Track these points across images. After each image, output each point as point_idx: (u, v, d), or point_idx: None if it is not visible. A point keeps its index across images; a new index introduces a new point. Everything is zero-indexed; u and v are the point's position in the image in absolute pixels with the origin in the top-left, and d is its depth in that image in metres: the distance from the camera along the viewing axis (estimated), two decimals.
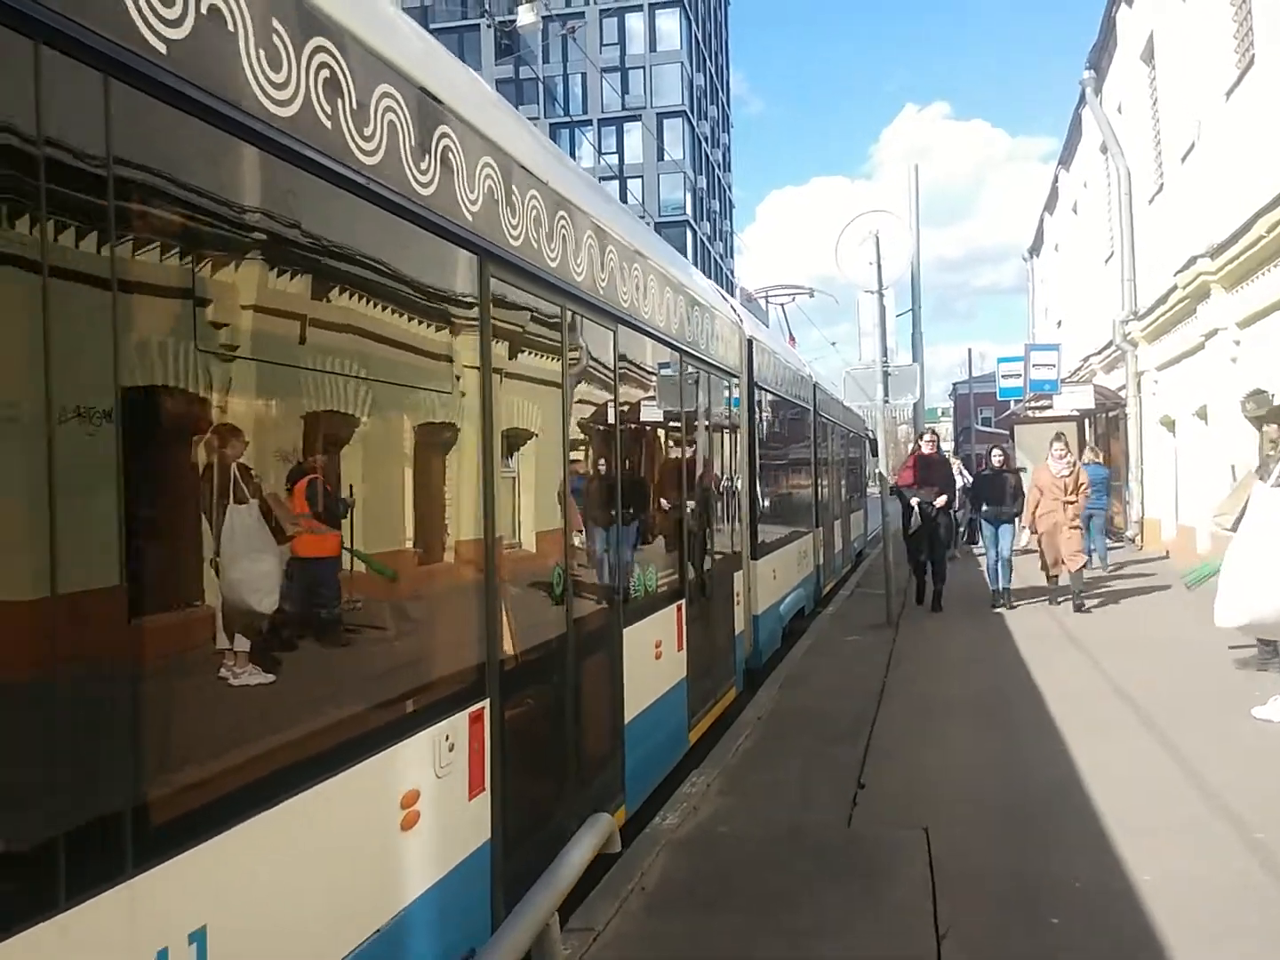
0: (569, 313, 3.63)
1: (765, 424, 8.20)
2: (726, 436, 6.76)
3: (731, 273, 60.24)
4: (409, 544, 2.67)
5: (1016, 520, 9.99)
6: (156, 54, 1.62)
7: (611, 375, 4.20)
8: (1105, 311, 16.17)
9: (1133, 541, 15.15)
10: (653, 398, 4.99)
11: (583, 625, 3.73)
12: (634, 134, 53.58)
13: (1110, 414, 17.30)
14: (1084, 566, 9.64)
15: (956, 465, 15.42)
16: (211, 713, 1.86)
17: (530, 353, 3.44)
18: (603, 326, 4.09)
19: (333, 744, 2.11)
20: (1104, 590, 10.43)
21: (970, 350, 32.71)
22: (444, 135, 2.63)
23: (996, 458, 10.20)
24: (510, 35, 42.13)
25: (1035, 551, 9.97)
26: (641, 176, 53.27)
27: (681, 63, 54.82)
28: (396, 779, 2.33)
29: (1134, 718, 5.55)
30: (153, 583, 1.72)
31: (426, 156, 2.53)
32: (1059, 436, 9.94)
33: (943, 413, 54.00)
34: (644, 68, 54.63)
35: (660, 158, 52.51)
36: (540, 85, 49.26)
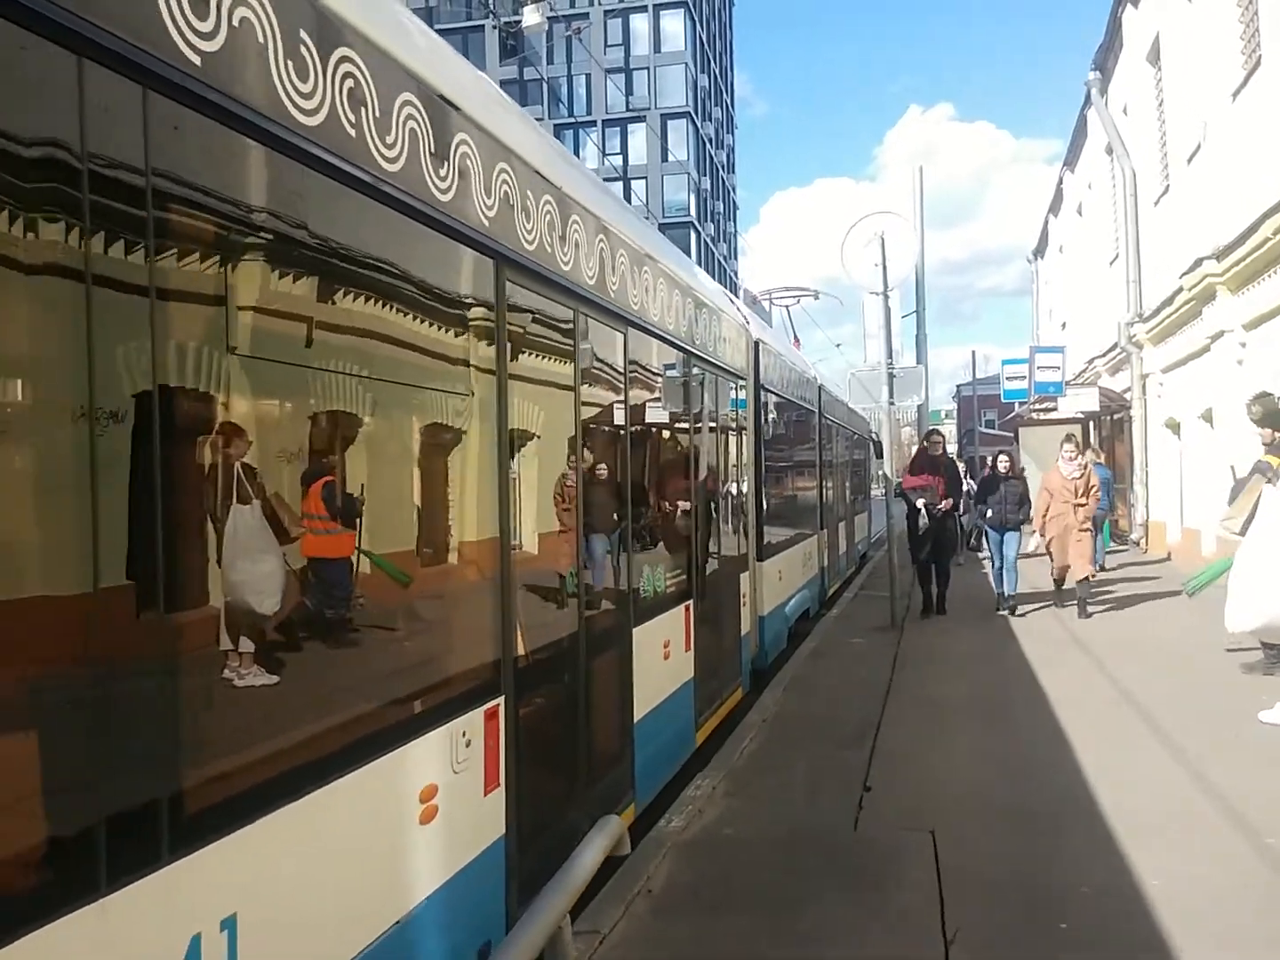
0: (581, 316, 3.66)
1: (771, 426, 8.23)
2: (733, 438, 6.79)
3: (735, 274, 60.30)
4: (428, 544, 2.72)
5: (1022, 528, 9.78)
6: (192, 66, 1.66)
7: (622, 378, 4.24)
8: (1110, 313, 16.18)
9: (1137, 544, 15.15)
10: (662, 400, 5.02)
11: (594, 624, 3.78)
12: (638, 135, 53.64)
13: (1115, 416, 17.30)
14: (1091, 576, 9.43)
15: (961, 468, 15.39)
16: (244, 708, 1.92)
17: (544, 356, 3.48)
18: (614, 329, 4.12)
19: (356, 738, 2.17)
20: (1109, 594, 10.39)
21: (974, 353, 32.66)
22: (462, 142, 2.67)
23: (1003, 463, 9.88)
24: (515, 36, 42.17)
25: (1044, 555, 9.81)
26: (645, 178, 53.34)
27: (686, 64, 54.86)
28: (415, 773, 2.38)
29: (1140, 722, 5.55)
30: (191, 582, 1.78)
31: (445, 163, 2.56)
32: (1069, 437, 9.79)
33: (946, 415, 54.02)
34: (648, 69, 54.70)
35: (664, 159, 52.57)
36: (544, 86, 49.33)
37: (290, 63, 1.93)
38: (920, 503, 9.49)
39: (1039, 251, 28.49)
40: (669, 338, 4.94)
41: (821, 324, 77.49)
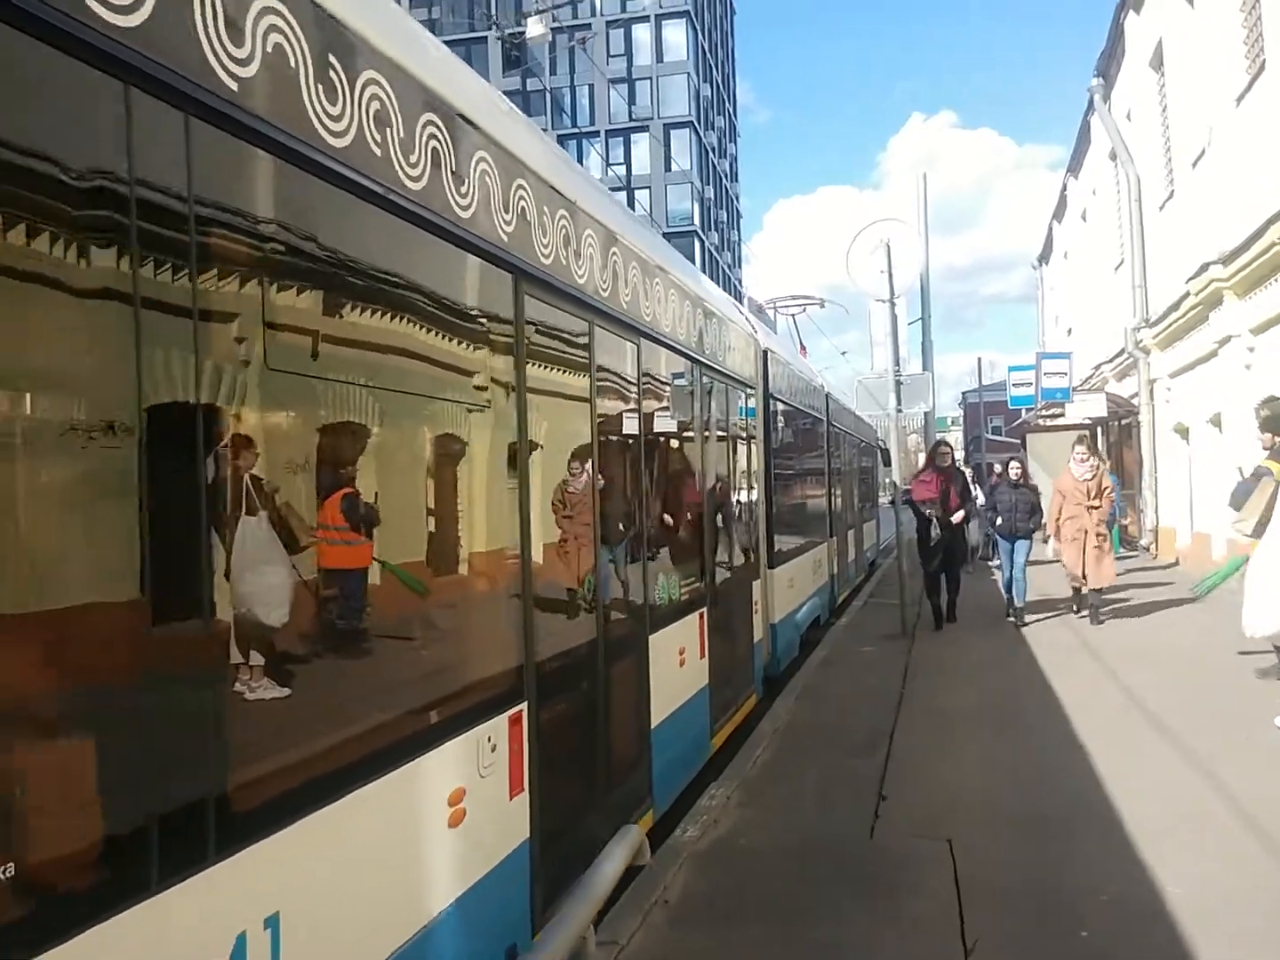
0: (595, 327, 3.71)
1: (780, 434, 8.26)
2: (743, 447, 6.82)
3: (739, 282, 60.42)
4: (457, 556, 2.78)
5: (1033, 536, 9.56)
6: (229, 91, 1.71)
7: (635, 388, 4.28)
8: (1116, 319, 16.18)
9: (1147, 550, 15.11)
10: (674, 410, 5.07)
11: (611, 632, 3.82)
12: (641, 145, 53.88)
13: (1123, 422, 17.28)
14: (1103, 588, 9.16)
15: (969, 474, 15.36)
16: (288, 713, 1.97)
17: (560, 368, 3.53)
18: (627, 340, 4.17)
19: (390, 742, 2.22)
20: (1120, 600, 10.33)
21: (980, 359, 32.64)
22: (481, 159, 2.72)
23: (1014, 470, 9.66)
24: (519, 47, 42.48)
25: (1059, 562, 9.51)
26: (649, 187, 53.53)
27: (688, 73, 55.13)
28: (445, 777, 2.43)
29: (1153, 728, 5.54)
30: (249, 594, 1.85)
31: (466, 180, 2.62)
32: (1081, 439, 9.56)
33: (952, 422, 53.97)
34: (651, 79, 54.97)
35: (668, 168, 52.76)
36: (548, 96, 49.62)
37: (320, 86, 1.99)
38: (930, 512, 9.30)
39: (1043, 257, 28.52)
40: (680, 348, 4.99)
41: (826, 331, 77.52)
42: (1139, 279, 14.66)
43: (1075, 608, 9.56)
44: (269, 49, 1.83)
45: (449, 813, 2.42)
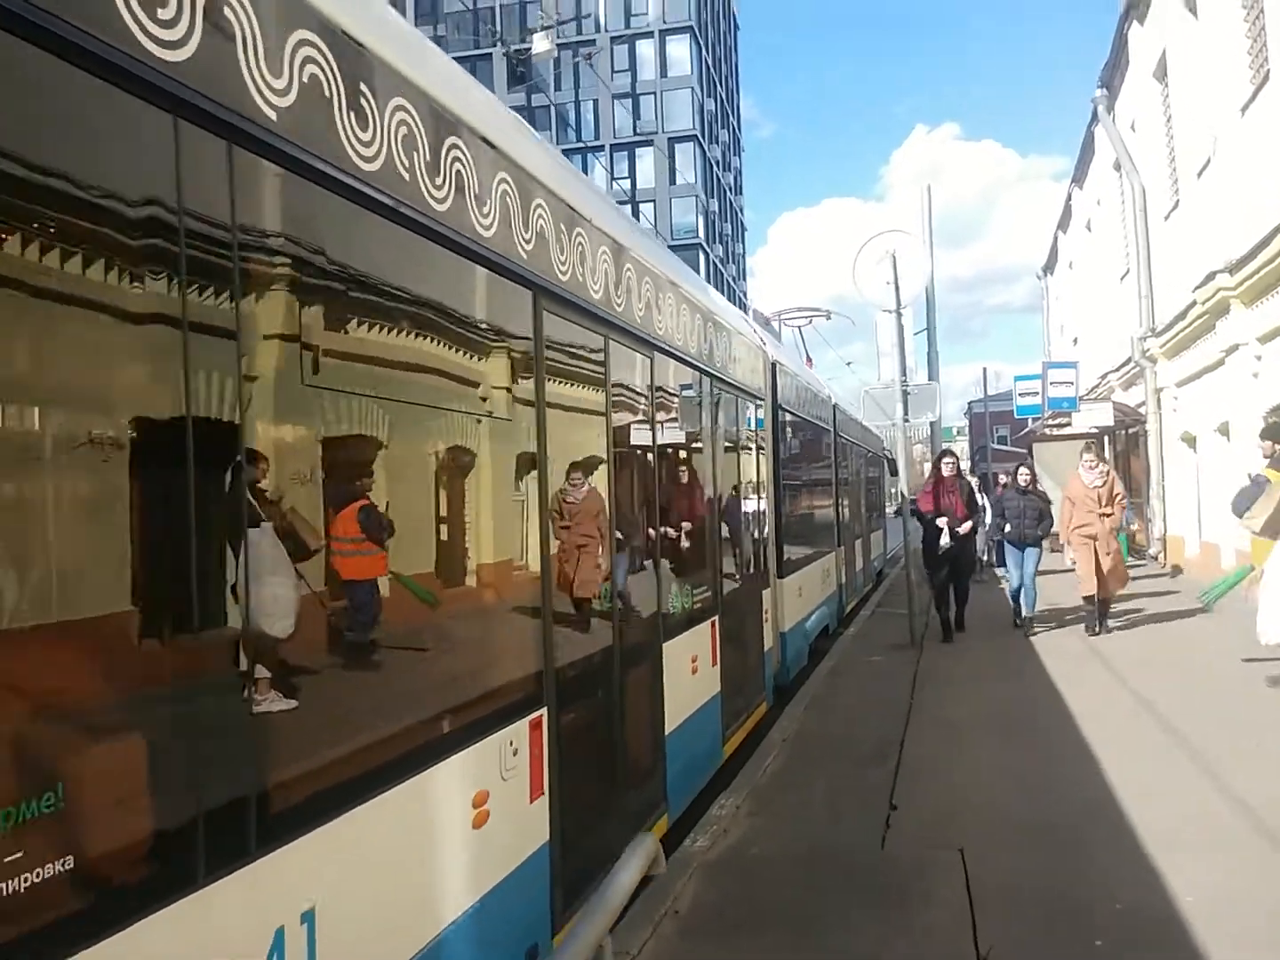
0: (611, 342, 3.78)
1: (788, 445, 8.32)
2: (753, 458, 6.89)
3: (744, 295, 60.59)
4: (479, 567, 2.85)
5: (1042, 544, 9.48)
6: (268, 120, 1.79)
7: (649, 401, 4.35)
8: (1122, 328, 16.21)
9: (1155, 559, 15.09)
10: (686, 422, 5.14)
11: (627, 639, 3.88)
12: (646, 159, 54.27)
13: (1130, 431, 17.28)
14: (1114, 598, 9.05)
15: (975, 482, 15.34)
16: (324, 716, 2.04)
17: (578, 382, 3.61)
18: (641, 354, 4.24)
19: (419, 744, 2.29)
20: (1129, 608, 10.33)
21: (985, 370, 32.74)
22: (502, 180, 2.80)
23: (1023, 476, 9.47)
24: (524, 63, 42.85)
25: (1073, 570, 9.29)
26: (654, 200, 53.79)
27: (692, 88, 55.53)
28: (470, 779, 2.50)
29: (1165, 735, 5.53)
30: (284, 602, 1.93)
31: (487, 200, 2.69)
32: (1089, 446, 9.46)
33: (958, 432, 53.91)
34: (655, 93, 55.39)
35: (672, 182, 53.11)
36: (553, 111, 50.02)
37: (353, 113, 2.07)
38: (942, 522, 9.17)
39: (1048, 268, 28.56)
40: (692, 361, 5.06)
41: (832, 343, 77.60)
42: (1145, 288, 14.69)
43: (1087, 619, 9.12)
44: (305, 79, 1.91)
45: (473, 814, 2.48)
